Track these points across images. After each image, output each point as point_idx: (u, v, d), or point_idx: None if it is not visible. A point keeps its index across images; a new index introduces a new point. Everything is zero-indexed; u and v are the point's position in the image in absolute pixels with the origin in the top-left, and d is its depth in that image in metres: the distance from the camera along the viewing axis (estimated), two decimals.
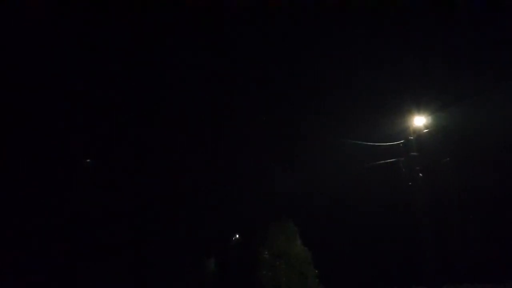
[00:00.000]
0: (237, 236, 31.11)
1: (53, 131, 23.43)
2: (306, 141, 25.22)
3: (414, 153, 19.89)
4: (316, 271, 21.53)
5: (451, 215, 23.80)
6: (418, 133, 20.24)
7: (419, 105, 20.32)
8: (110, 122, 25.19)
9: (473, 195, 23.34)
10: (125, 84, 25.18)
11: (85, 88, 23.91)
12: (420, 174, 19.68)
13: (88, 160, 24.28)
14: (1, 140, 21.64)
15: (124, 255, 24.12)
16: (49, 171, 22.84)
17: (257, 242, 22.47)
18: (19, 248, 20.96)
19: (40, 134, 23.03)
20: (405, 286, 22.56)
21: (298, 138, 25.51)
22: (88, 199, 23.56)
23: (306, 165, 25.09)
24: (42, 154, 22.83)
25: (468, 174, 23.11)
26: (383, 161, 20.61)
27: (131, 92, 25.54)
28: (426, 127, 20.36)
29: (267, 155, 26.05)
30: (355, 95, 24.19)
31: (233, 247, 30.25)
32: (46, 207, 22.45)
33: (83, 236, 22.74)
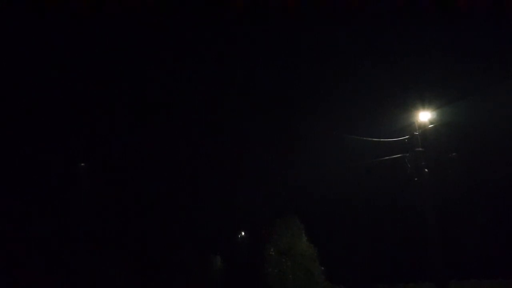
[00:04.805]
0: (243, 233, 31.16)
1: (54, 132, 23.57)
2: (311, 138, 25.16)
3: (420, 149, 19.74)
4: (322, 268, 21.51)
5: (458, 210, 23.68)
6: (423, 128, 20.10)
7: (424, 100, 20.19)
8: (117, 119, 25.31)
9: (479, 190, 23.22)
10: (127, 84, 25.26)
11: (87, 89, 24.03)
12: (426, 170, 19.52)
13: (82, 164, 24.30)
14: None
15: (130, 252, 24.21)
16: (52, 171, 22.98)
17: (263, 239, 22.47)
18: (21, 248, 21.09)
19: (41, 135, 23.18)
20: (412, 282, 22.50)
21: (303, 135, 25.46)
22: (94, 197, 23.68)
23: (311, 162, 25.03)
24: (43, 154, 22.98)
25: (474, 169, 22.99)
26: (388, 157, 20.48)
27: (134, 92, 25.62)
28: (431, 122, 20.21)
29: (272, 152, 26.03)
30: (360, 91, 24.12)
31: (239, 244, 30.28)
32: (52, 207, 22.59)
33: (89, 234, 22.85)
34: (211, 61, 26.10)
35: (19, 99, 22.66)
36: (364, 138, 20.75)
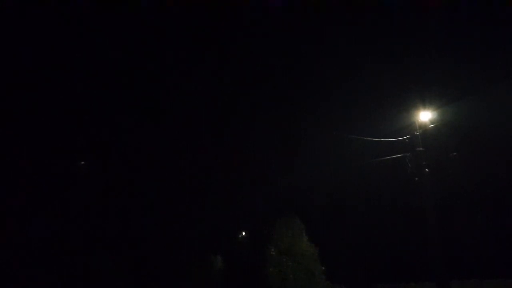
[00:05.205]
0: (244, 233, 31.11)
1: (55, 132, 23.58)
2: (311, 138, 25.13)
3: (420, 148, 19.69)
4: (323, 267, 21.48)
5: (459, 210, 23.65)
6: (424, 128, 20.05)
7: (425, 99, 20.14)
8: (118, 119, 25.31)
9: (480, 190, 23.18)
10: (129, 83, 25.26)
11: (89, 88, 24.05)
12: (427, 170, 19.47)
13: (82, 163, 24.27)
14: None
15: (132, 253, 24.21)
16: (52, 171, 22.98)
17: (264, 239, 22.46)
18: (20, 248, 21.10)
19: (41, 135, 23.19)
20: (412, 282, 22.48)
21: (303, 135, 25.44)
22: (94, 197, 23.67)
23: (312, 162, 25.01)
24: (43, 154, 22.99)
25: (475, 169, 22.94)
26: (388, 157, 20.43)
27: (136, 92, 25.62)
28: (432, 122, 20.16)
29: (273, 152, 26.02)
30: (360, 90, 24.09)
31: (240, 244, 30.23)
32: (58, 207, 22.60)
33: (90, 235, 22.84)
34: (212, 61, 26.09)
35: (20, 98, 22.70)
36: (365, 138, 20.72)
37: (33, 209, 21.88)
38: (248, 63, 25.79)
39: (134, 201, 25.06)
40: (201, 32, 25.19)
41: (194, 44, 26.15)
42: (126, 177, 25.01)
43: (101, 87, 24.77)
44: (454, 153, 22.16)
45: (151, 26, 24.12)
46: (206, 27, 24.53)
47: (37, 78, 23.34)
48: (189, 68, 26.28)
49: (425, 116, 20.03)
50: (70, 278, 21.84)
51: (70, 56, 24.16)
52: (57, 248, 21.85)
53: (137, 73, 25.41)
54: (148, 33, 24.49)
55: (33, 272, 20.91)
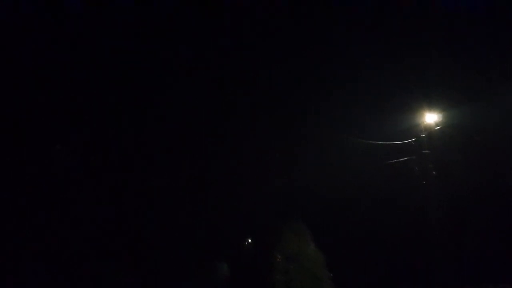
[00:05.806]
0: (248, 238, 30.93)
1: (56, 131, 23.51)
2: (317, 141, 24.96)
3: (426, 151, 19.67)
4: (331, 274, 21.26)
5: (466, 213, 23.46)
6: (430, 131, 20.05)
7: (431, 102, 20.16)
8: (117, 118, 25.19)
9: (487, 193, 23.01)
10: (128, 82, 25.14)
11: (86, 86, 23.98)
12: (433, 172, 19.43)
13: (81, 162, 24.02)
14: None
15: (135, 258, 24.04)
16: (50, 169, 22.87)
17: (270, 245, 22.26)
18: (20, 249, 20.98)
19: (40, 133, 23.08)
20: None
21: (309, 138, 25.28)
22: (95, 199, 23.52)
23: (318, 166, 24.82)
24: (45, 153, 22.90)
25: (481, 171, 22.82)
26: (395, 160, 20.40)
27: (134, 90, 25.46)
28: (437, 125, 20.19)
29: (277, 156, 25.87)
30: (366, 93, 23.97)
31: (245, 250, 30.05)
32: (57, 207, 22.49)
33: (89, 237, 22.68)
34: (212, 60, 25.92)
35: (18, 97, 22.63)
36: (371, 141, 20.68)
37: (32, 209, 21.77)
38: (249, 62, 25.62)
39: (134, 205, 24.89)
40: (202, 31, 25.07)
41: (194, 43, 26.00)
42: (126, 179, 24.83)
43: (101, 86, 24.63)
44: (460, 155, 22.12)
45: (151, 24, 24.05)
46: (207, 25, 24.43)
47: (35, 76, 23.27)
48: (189, 67, 26.11)
49: (431, 118, 20.05)
50: (70, 278, 21.72)
51: (70, 53, 24.08)
52: (56, 249, 21.72)
53: (137, 72, 25.27)
54: (148, 31, 24.36)
55: (33, 272, 20.82)
